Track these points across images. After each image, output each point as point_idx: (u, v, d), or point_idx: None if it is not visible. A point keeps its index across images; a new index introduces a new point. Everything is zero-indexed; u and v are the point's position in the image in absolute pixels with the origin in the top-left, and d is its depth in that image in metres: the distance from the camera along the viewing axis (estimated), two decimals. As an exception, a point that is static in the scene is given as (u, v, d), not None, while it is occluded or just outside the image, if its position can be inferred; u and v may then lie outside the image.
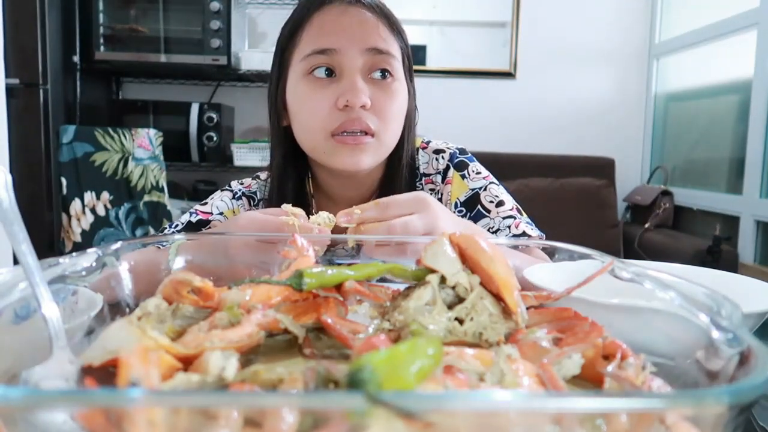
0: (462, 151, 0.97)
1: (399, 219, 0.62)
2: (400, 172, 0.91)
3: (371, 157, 0.84)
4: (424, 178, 0.97)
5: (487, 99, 3.02)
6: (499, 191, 0.94)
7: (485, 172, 0.96)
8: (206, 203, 0.94)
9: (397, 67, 0.86)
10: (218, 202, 0.94)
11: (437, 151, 0.97)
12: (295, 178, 0.92)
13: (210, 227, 0.89)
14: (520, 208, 0.93)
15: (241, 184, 0.98)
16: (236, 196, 0.95)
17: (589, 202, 2.69)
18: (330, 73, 0.83)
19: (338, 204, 0.95)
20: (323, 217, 0.64)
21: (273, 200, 0.90)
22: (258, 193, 0.96)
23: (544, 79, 3.00)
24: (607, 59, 3.00)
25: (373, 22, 0.85)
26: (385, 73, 0.85)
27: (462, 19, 3.03)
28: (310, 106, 0.83)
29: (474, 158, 0.97)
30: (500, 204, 0.91)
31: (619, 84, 3.02)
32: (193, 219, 0.90)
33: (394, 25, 0.88)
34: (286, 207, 0.64)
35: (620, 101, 3.02)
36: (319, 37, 0.83)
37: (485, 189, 0.93)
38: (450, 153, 0.97)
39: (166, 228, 0.92)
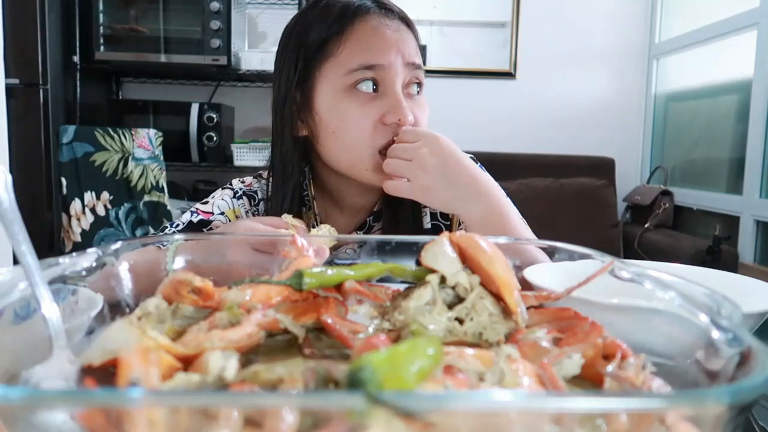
0: (473, 161, 0.95)
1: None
2: None
3: None
4: None
5: (487, 99, 3.02)
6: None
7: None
8: (207, 202, 0.93)
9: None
10: (219, 201, 0.92)
11: None
12: (299, 183, 0.91)
13: (211, 228, 0.89)
14: (526, 224, 0.90)
15: (242, 182, 0.97)
16: (237, 195, 0.94)
17: (589, 202, 2.69)
18: (374, 87, 0.82)
19: (342, 208, 0.94)
20: (324, 232, 0.63)
21: (274, 205, 0.89)
22: (259, 192, 0.95)
23: (544, 79, 3.00)
24: (607, 59, 3.00)
25: (408, 35, 0.85)
26: (419, 86, 0.86)
27: (462, 19, 3.03)
28: (355, 123, 0.81)
29: (483, 168, 0.95)
30: None
31: (619, 84, 3.02)
32: (195, 219, 0.89)
33: (417, 34, 0.88)
34: (287, 218, 0.64)
35: (620, 101, 3.02)
36: (365, 51, 0.81)
37: None
38: None
39: (166, 227, 0.91)
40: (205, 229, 0.88)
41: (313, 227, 0.92)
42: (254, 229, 0.65)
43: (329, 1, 0.86)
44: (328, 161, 0.87)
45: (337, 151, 0.85)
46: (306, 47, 0.84)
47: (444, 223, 0.95)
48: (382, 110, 0.81)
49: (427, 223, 0.95)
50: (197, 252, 0.58)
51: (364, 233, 0.94)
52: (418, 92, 0.86)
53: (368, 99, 0.82)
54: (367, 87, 0.82)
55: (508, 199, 0.89)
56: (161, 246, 0.57)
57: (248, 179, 0.98)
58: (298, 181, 0.89)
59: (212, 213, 0.91)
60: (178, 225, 0.89)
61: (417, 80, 0.86)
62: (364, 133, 0.81)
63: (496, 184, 0.90)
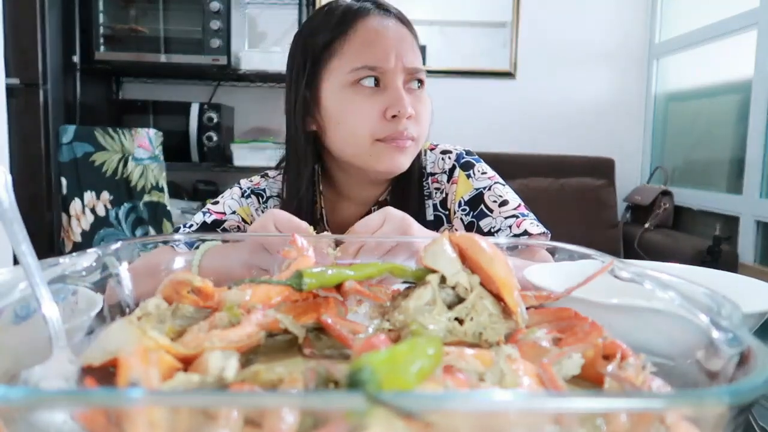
0: (468, 152, 1.00)
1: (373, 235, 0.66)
2: (411, 172, 0.94)
3: (409, 158, 0.90)
4: (430, 178, 0.99)
5: (487, 99, 3.01)
6: (504, 191, 0.95)
7: (491, 172, 0.98)
8: (218, 203, 0.97)
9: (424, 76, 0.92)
10: (229, 201, 0.97)
11: (444, 152, 1.00)
12: (312, 177, 0.94)
13: (225, 228, 0.93)
14: (526, 207, 0.95)
15: (251, 181, 1.00)
16: (245, 194, 0.98)
17: (589, 202, 2.68)
18: (376, 82, 0.87)
19: (350, 200, 0.98)
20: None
21: (290, 197, 0.93)
22: (267, 191, 0.99)
23: (544, 79, 2.99)
24: (607, 59, 3.00)
25: (408, 38, 0.90)
26: (420, 82, 0.91)
27: (462, 19, 3.03)
28: (358, 114, 0.86)
29: (480, 159, 1.00)
30: (504, 204, 0.93)
31: (619, 84, 3.02)
32: (208, 219, 0.93)
33: (416, 36, 0.93)
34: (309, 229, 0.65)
35: (620, 101, 3.02)
36: (366, 52, 0.86)
37: (489, 189, 0.95)
38: (457, 153, 1.00)
39: (180, 227, 0.95)
40: (218, 229, 0.92)
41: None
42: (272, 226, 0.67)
43: (332, 6, 0.92)
44: (334, 152, 0.92)
45: (341, 142, 0.89)
46: (313, 49, 0.90)
47: (443, 212, 0.98)
48: (384, 103, 0.86)
49: (430, 215, 0.98)
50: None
51: None
52: (419, 87, 0.91)
53: (371, 92, 0.87)
54: (369, 82, 0.87)
55: None
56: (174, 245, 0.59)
57: (256, 178, 1.01)
58: (312, 174, 0.94)
59: (224, 213, 0.95)
60: (191, 225, 0.93)
61: (419, 77, 0.90)
62: (366, 123, 0.86)
63: None
